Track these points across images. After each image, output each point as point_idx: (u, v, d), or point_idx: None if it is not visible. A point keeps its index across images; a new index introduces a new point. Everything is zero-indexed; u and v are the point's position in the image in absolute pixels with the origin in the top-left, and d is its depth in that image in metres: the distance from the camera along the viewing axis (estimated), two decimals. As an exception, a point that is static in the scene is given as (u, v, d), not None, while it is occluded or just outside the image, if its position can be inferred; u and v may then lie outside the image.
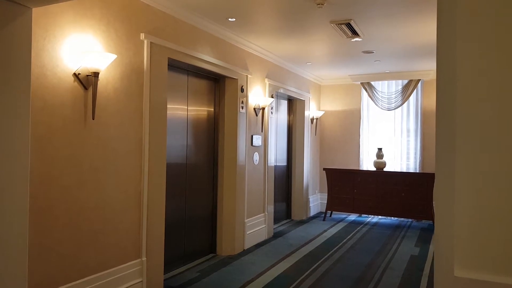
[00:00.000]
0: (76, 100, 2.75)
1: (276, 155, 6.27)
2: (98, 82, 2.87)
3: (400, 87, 6.87)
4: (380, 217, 7.00)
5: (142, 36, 3.28)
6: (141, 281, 3.31)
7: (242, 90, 4.76)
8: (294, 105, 6.88)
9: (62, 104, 2.66)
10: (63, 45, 2.65)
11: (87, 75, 2.79)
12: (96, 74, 2.78)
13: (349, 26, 4.05)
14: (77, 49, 2.74)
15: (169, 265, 3.88)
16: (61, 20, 2.63)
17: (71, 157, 2.73)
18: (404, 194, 6.22)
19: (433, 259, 4.60)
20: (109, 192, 3.04)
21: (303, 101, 6.84)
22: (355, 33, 4.31)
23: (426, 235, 5.81)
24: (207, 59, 4.12)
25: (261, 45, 5.01)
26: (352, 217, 7.08)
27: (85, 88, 2.81)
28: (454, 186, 1.13)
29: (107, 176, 3.02)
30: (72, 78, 2.72)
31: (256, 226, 5.19)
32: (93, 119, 2.86)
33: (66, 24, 2.67)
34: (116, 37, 3.06)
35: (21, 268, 2.19)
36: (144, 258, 3.34)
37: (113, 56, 2.81)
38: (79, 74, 2.75)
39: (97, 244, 2.95)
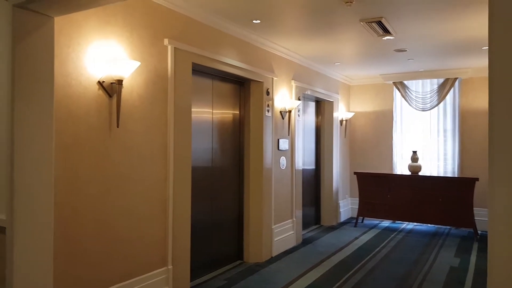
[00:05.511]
0: (101, 108, 2.74)
1: (304, 158, 6.10)
2: (123, 90, 2.85)
3: (435, 86, 6.53)
4: (415, 223, 6.67)
5: (166, 41, 3.24)
6: (167, 289, 3.27)
7: (267, 93, 4.65)
8: (322, 106, 6.70)
9: (87, 113, 2.65)
10: (87, 53, 2.64)
11: (112, 83, 2.77)
12: (120, 82, 2.75)
13: (380, 24, 3.85)
14: (101, 56, 2.73)
15: (195, 272, 3.82)
16: (85, 28, 2.63)
17: (96, 165, 2.72)
18: (441, 200, 5.88)
19: (475, 272, 4.29)
20: (135, 200, 3.01)
21: (331, 103, 6.64)
22: (386, 31, 4.10)
23: (466, 244, 5.46)
24: (232, 62, 4.05)
25: (287, 46, 4.88)
26: (386, 223, 6.79)
27: (110, 96, 2.79)
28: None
29: (133, 183, 2.99)
30: (96, 86, 2.71)
31: (284, 232, 5.06)
32: (118, 126, 2.83)
33: (90, 32, 2.66)
34: (140, 43, 3.04)
35: (46, 277, 2.18)
36: (170, 266, 3.30)
37: (136, 63, 2.77)
38: (103, 82, 2.74)
39: (123, 253, 2.93)
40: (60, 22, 2.40)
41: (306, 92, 5.67)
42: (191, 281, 3.61)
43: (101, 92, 2.74)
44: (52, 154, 2.22)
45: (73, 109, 2.56)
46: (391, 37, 4.33)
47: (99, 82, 2.71)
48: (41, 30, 2.13)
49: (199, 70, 3.84)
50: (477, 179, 5.66)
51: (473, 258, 4.78)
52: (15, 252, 2.02)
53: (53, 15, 2.16)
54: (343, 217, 7.05)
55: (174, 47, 3.30)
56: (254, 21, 3.88)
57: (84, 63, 2.62)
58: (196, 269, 3.84)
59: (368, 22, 3.81)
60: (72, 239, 2.57)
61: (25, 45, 2.06)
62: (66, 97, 2.51)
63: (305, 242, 5.47)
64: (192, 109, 3.61)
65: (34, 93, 2.11)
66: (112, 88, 2.79)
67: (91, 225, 2.69)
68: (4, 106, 2.07)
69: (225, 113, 4.39)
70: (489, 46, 1.00)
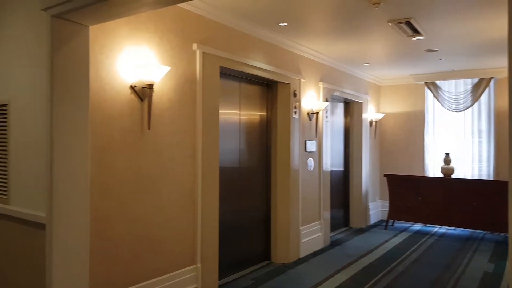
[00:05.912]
0: (133, 112, 2.86)
1: (332, 159, 6.06)
2: (154, 94, 2.96)
3: (469, 87, 6.30)
4: (448, 227, 6.45)
5: (194, 46, 3.33)
6: (196, 287, 3.35)
7: (295, 95, 4.67)
8: (351, 107, 6.62)
9: (120, 116, 2.77)
10: (119, 59, 2.76)
11: (143, 87, 2.89)
12: (151, 86, 2.87)
13: (409, 24, 3.78)
14: (133, 62, 2.84)
15: (223, 271, 3.88)
16: (118, 35, 2.75)
17: (128, 167, 2.84)
18: (476, 204, 5.67)
19: (511, 278, 4.12)
20: (165, 200, 3.12)
21: (360, 104, 6.55)
22: (416, 32, 4.01)
23: (502, 249, 5.24)
24: (259, 65, 4.10)
25: (314, 48, 4.88)
26: (417, 226, 6.61)
27: (141, 99, 2.91)
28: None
29: (163, 183, 3.10)
30: (129, 91, 2.83)
31: (311, 234, 5.05)
32: (149, 129, 2.95)
33: (122, 39, 2.78)
34: (170, 48, 3.14)
35: (83, 271, 2.31)
36: (199, 265, 3.38)
37: (166, 68, 2.87)
38: (135, 86, 2.86)
39: (154, 251, 3.04)
40: (94, 30, 2.53)
41: (334, 93, 5.64)
42: (219, 279, 3.68)
43: (133, 96, 2.86)
44: (88, 155, 2.35)
45: (107, 112, 2.69)
46: (421, 38, 4.24)
47: (131, 86, 2.84)
48: (77, 38, 2.26)
49: (226, 73, 3.91)
50: (515, 182, 5.41)
51: (508, 264, 4.58)
52: (54, 247, 2.16)
53: (88, 24, 2.29)
54: (372, 220, 6.93)
55: (203, 52, 3.39)
56: (281, 24, 3.91)
57: (117, 69, 2.75)
58: (224, 268, 3.91)
59: (397, 23, 3.75)
60: (106, 236, 2.70)
61: (63, 52, 2.20)
62: (100, 101, 2.65)
63: (333, 244, 5.43)
64: (220, 111, 3.69)
65: (71, 98, 2.24)
66: (143, 92, 2.91)
67: (124, 224, 2.81)
68: (44, 110, 2.22)
69: (252, 114, 4.45)
70: (508, 46, 0.99)
